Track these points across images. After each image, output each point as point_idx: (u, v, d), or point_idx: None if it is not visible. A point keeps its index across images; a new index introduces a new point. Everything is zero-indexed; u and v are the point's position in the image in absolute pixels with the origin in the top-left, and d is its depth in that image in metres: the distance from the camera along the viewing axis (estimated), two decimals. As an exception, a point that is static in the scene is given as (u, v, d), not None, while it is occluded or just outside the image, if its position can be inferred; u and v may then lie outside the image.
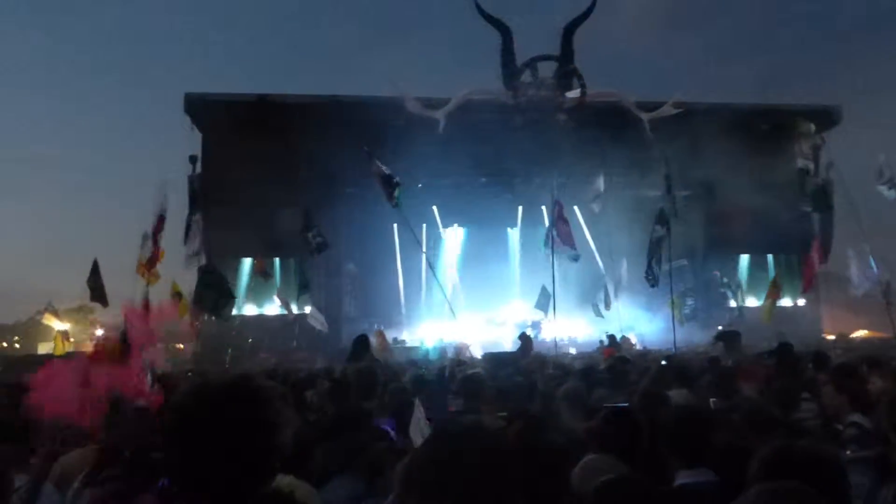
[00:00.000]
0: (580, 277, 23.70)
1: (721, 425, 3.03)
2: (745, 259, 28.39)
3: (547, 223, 18.28)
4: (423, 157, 21.36)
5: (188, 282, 17.84)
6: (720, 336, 13.22)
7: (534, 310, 21.86)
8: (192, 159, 25.16)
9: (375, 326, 23.71)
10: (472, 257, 29.37)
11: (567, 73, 24.29)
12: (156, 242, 14.53)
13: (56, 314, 18.41)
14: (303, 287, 17.19)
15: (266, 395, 1.55)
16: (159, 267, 15.59)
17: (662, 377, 5.37)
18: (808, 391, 5.27)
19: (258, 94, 25.83)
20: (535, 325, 23.67)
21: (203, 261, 20.16)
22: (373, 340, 11.90)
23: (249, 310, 26.43)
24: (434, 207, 27.54)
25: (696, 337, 20.77)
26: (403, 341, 24.52)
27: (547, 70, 24.39)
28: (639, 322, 23.30)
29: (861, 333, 26.36)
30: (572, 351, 19.59)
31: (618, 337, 18.49)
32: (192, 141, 25.43)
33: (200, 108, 25.04)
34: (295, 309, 24.53)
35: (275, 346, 23.83)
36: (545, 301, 19.09)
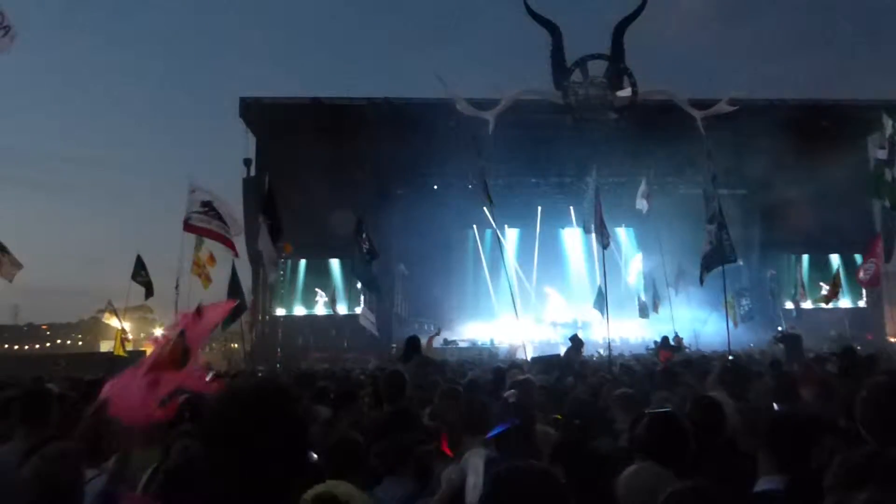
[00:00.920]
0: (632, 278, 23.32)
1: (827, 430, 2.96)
2: (805, 259, 27.32)
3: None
4: (474, 158, 21.35)
5: (244, 280, 18.28)
6: (781, 338, 12.86)
7: (591, 309, 21.78)
8: (247, 162, 25.78)
9: (426, 327, 23.87)
10: (523, 258, 29.33)
11: (618, 71, 23.98)
12: (226, 241, 14.11)
13: (115, 313, 18.95)
14: (370, 284, 16.89)
15: (291, 396, 1.61)
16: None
17: (723, 381, 5.23)
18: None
19: (311, 98, 26.34)
20: (585, 326, 23.49)
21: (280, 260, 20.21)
22: (424, 341, 11.96)
23: (298, 310, 26.93)
24: (485, 208, 27.56)
25: (746, 338, 20.16)
26: (455, 342, 24.62)
27: (597, 69, 24.13)
28: (692, 323, 22.74)
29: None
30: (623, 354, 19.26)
31: (670, 339, 18.05)
32: (246, 144, 25.96)
33: (255, 112, 25.66)
34: (344, 309, 24.88)
35: (325, 345, 24.23)
36: (601, 302, 18.89)
